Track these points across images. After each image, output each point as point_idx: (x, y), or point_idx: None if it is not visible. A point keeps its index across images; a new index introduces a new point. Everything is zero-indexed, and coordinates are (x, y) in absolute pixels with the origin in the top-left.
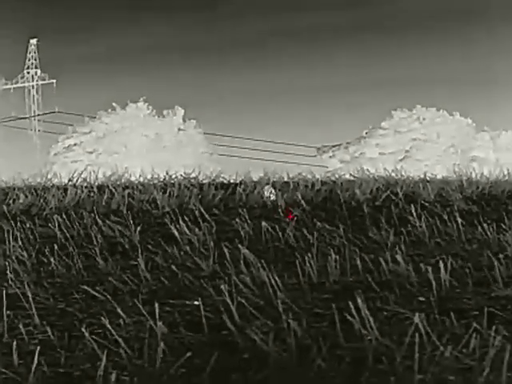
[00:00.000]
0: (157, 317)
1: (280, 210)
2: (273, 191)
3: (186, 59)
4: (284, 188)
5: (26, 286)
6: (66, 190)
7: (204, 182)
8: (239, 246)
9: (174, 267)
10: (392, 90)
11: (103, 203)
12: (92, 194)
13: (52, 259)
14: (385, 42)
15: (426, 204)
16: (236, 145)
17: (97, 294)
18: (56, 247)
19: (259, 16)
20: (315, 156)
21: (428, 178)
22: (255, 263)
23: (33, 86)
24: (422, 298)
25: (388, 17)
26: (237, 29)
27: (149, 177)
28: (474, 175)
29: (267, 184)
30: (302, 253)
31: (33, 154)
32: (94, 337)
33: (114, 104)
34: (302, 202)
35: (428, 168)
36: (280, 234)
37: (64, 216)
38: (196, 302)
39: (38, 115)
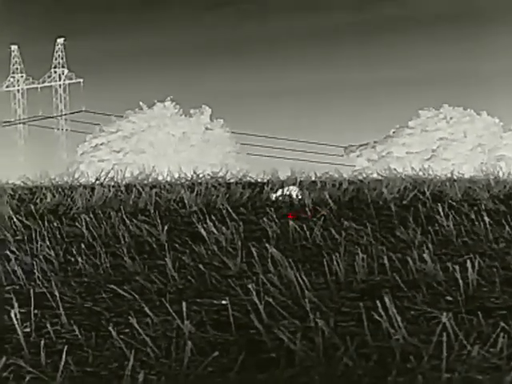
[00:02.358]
0: (184, 316)
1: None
2: (294, 191)
3: (214, 58)
4: (311, 187)
5: (54, 285)
6: (93, 189)
7: (231, 181)
8: (267, 245)
9: (201, 266)
10: (419, 89)
11: (130, 202)
12: (119, 193)
13: (79, 258)
14: (413, 40)
15: (453, 203)
16: (263, 144)
17: (124, 293)
18: (83, 246)
19: (284, 14)
20: (342, 155)
21: (455, 177)
22: (283, 262)
23: (60, 86)
24: (449, 297)
25: (417, 15)
26: (263, 27)
27: (176, 176)
28: (501, 174)
29: (293, 185)
30: (329, 252)
31: (60, 153)
32: (121, 336)
33: (141, 103)
34: (330, 201)
35: (455, 167)
36: (307, 233)
37: (91, 215)
38: (223, 301)
39: (66, 114)
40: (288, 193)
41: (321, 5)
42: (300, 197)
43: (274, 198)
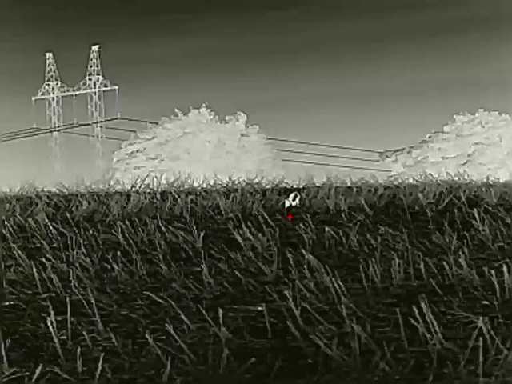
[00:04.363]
0: (220, 322)
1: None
2: (297, 198)
3: (249, 63)
4: (347, 193)
5: (90, 292)
6: (128, 196)
7: (267, 187)
8: (303, 250)
9: (237, 273)
10: (454, 93)
11: (166, 209)
12: (155, 200)
13: (115, 265)
14: (448, 44)
15: (489, 208)
16: (298, 150)
17: (160, 300)
18: (119, 253)
19: (326, 19)
20: (378, 161)
21: (491, 182)
22: (319, 268)
23: (95, 93)
24: (485, 302)
25: (452, 18)
26: (303, 32)
27: (211, 182)
28: None
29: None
30: (365, 257)
31: (95, 160)
32: (158, 343)
33: (176, 110)
34: (365, 206)
35: (491, 172)
36: (343, 238)
37: (127, 222)
38: (260, 308)
39: (101, 122)
40: (293, 200)
41: (365, 7)
42: (298, 203)
43: (288, 204)
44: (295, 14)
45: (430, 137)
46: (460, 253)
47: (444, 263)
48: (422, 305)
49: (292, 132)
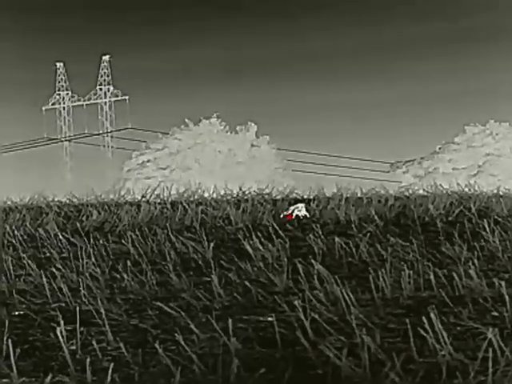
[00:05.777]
0: (230, 333)
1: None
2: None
3: (260, 74)
4: (357, 203)
5: (100, 302)
6: (139, 206)
7: (277, 197)
8: (313, 261)
9: (247, 283)
10: (465, 105)
11: (176, 219)
12: (165, 211)
13: (125, 275)
14: (460, 55)
15: (499, 219)
16: (309, 160)
17: (170, 310)
18: (129, 263)
19: (335, 30)
20: (389, 172)
21: (501, 193)
22: (329, 279)
23: (105, 103)
24: (495, 313)
25: (464, 29)
26: (314, 42)
27: (222, 193)
28: None
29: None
30: (375, 268)
31: (106, 170)
32: (167, 353)
33: (186, 120)
34: (376, 217)
35: (501, 183)
36: (353, 249)
37: (137, 232)
38: (269, 318)
39: (111, 132)
40: (298, 211)
41: (377, 18)
42: (307, 214)
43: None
44: (306, 25)
45: (440, 148)
46: (470, 264)
47: (454, 274)
48: (432, 316)
49: (302, 142)
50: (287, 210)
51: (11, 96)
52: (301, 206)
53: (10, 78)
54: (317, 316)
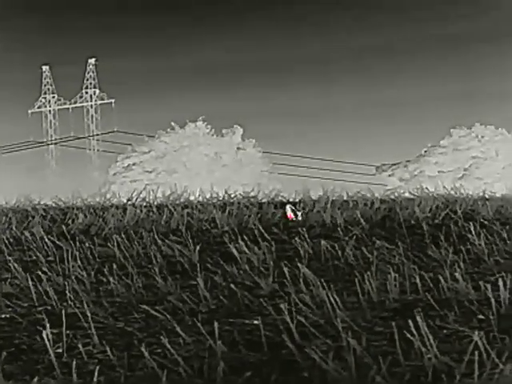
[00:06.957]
0: (216, 336)
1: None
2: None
3: (245, 77)
4: (343, 206)
5: (86, 305)
6: (125, 209)
7: (263, 200)
8: (299, 264)
9: (233, 286)
10: (451, 108)
11: (162, 223)
12: (151, 214)
13: (111, 279)
14: (446, 58)
15: (485, 222)
16: (294, 163)
17: (156, 314)
18: (115, 267)
19: (323, 33)
20: (374, 174)
21: (487, 196)
22: (315, 282)
23: (91, 106)
24: (481, 316)
25: (450, 34)
26: (298, 46)
27: (208, 196)
28: None
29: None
30: (361, 271)
31: (92, 173)
32: (153, 356)
33: (172, 123)
34: (361, 220)
35: (487, 186)
36: (339, 252)
37: (123, 235)
38: (255, 321)
39: (97, 135)
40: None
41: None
42: (300, 217)
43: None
44: (292, 28)
45: (426, 151)
46: (456, 267)
47: (440, 277)
48: (418, 319)
49: (289, 146)
50: (286, 210)
51: None
52: (289, 207)
53: None
54: (303, 319)
